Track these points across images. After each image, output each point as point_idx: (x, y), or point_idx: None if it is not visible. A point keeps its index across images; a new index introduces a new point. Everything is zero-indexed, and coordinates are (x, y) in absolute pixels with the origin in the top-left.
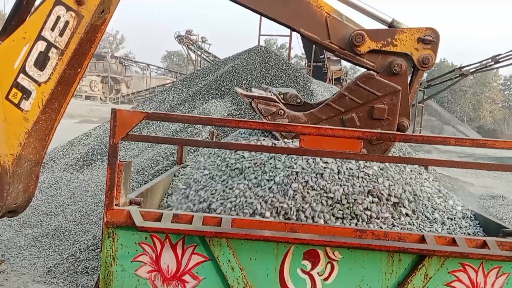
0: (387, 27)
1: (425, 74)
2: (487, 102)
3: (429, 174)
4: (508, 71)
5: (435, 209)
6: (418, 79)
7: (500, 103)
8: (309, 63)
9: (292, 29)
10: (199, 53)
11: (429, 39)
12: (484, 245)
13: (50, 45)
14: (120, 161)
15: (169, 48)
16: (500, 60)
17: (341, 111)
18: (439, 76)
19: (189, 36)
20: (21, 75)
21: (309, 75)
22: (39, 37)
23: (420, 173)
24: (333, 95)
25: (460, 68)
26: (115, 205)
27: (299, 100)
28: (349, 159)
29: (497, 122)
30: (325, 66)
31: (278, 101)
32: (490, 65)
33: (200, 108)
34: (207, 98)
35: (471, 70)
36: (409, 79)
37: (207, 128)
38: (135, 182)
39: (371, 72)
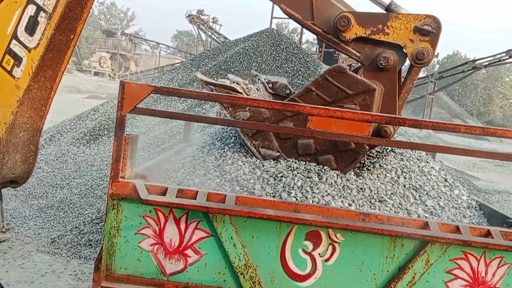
0: (384, 11)
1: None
2: (498, 97)
3: (436, 163)
4: None
5: (440, 198)
6: (412, 77)
7: (511, 98)
8: (320, 49)
9: (275, 3)
10: (210, 33)
11: (427, 29)
12: (487, 234)
13: (39, 8)
14: (127, 134)
15: (179, 27)
16: None
17: (323, 100)
18: (451, 68)
19: (200, 16)
20: (13, 41)
21: (320, 60)
22: (30, 0)
23: (427, 161)
24: (301, 90)
25: (474, 61)
26: (121, 177)
27: (288, 91)
28: (356, 142)
29: (507, 117)
30: (336, 53)
31: (240, 91)
32: (504, 59)
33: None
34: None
35: (484, 64)
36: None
37: (214, 109)
38: (141, 158)
39: (343, 66)
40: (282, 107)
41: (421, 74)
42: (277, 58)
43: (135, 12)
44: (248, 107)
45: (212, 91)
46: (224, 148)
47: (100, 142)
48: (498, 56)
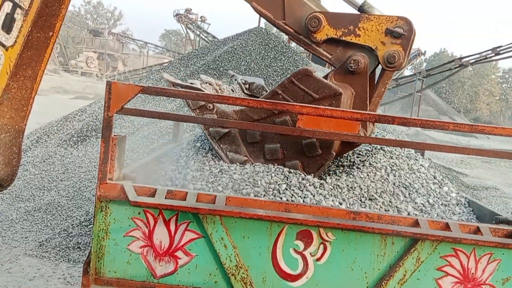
0: (357, 11)
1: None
2: (484, 94)
3: (425, 161)
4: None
5: (429, 195)
6: (384, 81)
7: (497, 95)
8: None
9: (246, 1)
10: (198, 32)
11: (399, 31)
12: (477, 231)
13: (15, 5)
14: (114, 135)
15: (167, 26)
16: (500, 52)
17: (273, 112)
18: (439, 66)
19: (188, 14)
20: None
21: (308, 59)
22: None
23: (416, 159)
24: (267, 92)
25: (460, 58)
26: (109, 179)
27: (264, 92)
28: (346, 140)
29: (493, 114)
30: None
31: (209, 92)
32: (490, 57)
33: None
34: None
35: (470, 61)
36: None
37: None
38: (130, 159)
39: (309, 68)
40: (271, 106)
41: (408, 72)
42: (266, 57)
43: (122, 12)
44: (215, 110)
45: None
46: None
47: (88, 143)
48: (484, 53)
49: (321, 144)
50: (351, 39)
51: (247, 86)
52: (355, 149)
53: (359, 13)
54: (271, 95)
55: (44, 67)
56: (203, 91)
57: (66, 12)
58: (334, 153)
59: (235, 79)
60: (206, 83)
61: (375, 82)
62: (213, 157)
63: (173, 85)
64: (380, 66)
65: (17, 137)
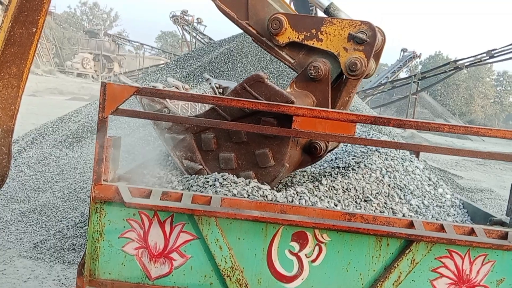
0: (323, 14)
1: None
2: (479, 97)
3: (420, 162)
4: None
5: (424, 197)
6: (348, 89)
7: (492, 98)
8: None
9: None
10: (194, 34)
11: (361, 37)
12: (471, 232)
13: None
14: (109, 136)
15: (163, 28)
16: (495, 55)
17: (226, 119)
18: (434, 68)
19: (184, 16)
20: None
21: None
22: None
23: (411, 161)
24: None
25: (455, 61)
26: (103, 180)
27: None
28: (341, 142)
29: (488, 117)
30: None
31: (163, 100)
32: (484, 60)
33: (193, 89)
34: (201, 80)
35: (465, 64)
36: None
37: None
38: (125, 161)
39: (261, 74)
40: (267, 107)
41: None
42: (262, 59)
43: (118, 13)
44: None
45: (136, 97)
46: None
47: (83, 145)
48: (479, 56)
49: (274, 155)
50: (313, 43)
51: (220, 90)
52: (350, 153)
53: (323, 15)
54: None
55: (29, 65)
56: (165, 100)
57: (48, 7)
58: (288, 165)
59: (210, 83)
60: (173, 86)
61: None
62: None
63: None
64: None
65: (5, 137)
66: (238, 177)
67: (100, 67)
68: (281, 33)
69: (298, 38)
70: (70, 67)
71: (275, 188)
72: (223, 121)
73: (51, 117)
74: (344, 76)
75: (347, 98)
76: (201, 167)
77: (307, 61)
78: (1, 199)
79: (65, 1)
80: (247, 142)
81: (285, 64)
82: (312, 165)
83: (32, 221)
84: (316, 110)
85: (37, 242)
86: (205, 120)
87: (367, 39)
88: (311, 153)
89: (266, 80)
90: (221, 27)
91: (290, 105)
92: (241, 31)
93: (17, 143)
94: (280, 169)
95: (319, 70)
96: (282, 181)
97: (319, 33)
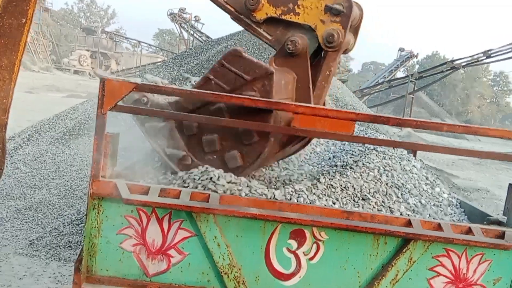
0: None
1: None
2: (476, 97)
3: (418, 162)
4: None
5: (422, 196)
6: (328, 63)
7: (488, 98)
8: None
9: None
10: (192, 32)
11: (338, 8)
12: (469, 231)
13: None
14: (107, 133)
15: (161, 26)
16: (491, 55)
17: (208, 101)
18: (431, 68)
19: (182, 14)
20: None
21: None
22: None
23: (409, 160)
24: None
25: (452, 61)
26: (102, 177)
27: None
28: (341, 140)
29: (484, 117)
30: None
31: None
32: (481, 60)
33: (191, 87)
34: (198, 78)
35: (462, 64)
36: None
37: None
38: (123, 158)
39: (238, 48)
40: (266, 105)
41: (401, 74)
42: (260, 57)
43: (115, 10)
44: (149, 104)
45: None
46: None
47: (80, 142)
48: (475, 56)
49: (258, 130)
50: (291, 17)
51: None
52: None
53: None
54: (204, 82)
55: (20, 56)
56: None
57: None
58: (273, 140)
59: (189, 81)
60: (152, 82)
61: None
62: None
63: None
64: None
65: None
66: (223, 160)
67: (97, 65)
68: (258, 9)
69: (275, 13)
70: (67, 64)
71: (273, 186)
72: (222, 118)
73: (47, 114)
74: (323, 52)
75: (327, 73)
76: (184, 153)
77: (284, 37)
78: None
79: None
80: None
81: (264, 41)
82: (310, 163)
83: (28, 218)
84: (316, 108)
85: (33, 239)
86: (204, 117)
87: (343, 10)
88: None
89: (243, 53)
90: (218, 27)
91: (289, 103)
92: (239, 29)
93: (13, 140)
94: (265, 144)
95: (297, 44)
96: (280, 178)
97: (296, 6)
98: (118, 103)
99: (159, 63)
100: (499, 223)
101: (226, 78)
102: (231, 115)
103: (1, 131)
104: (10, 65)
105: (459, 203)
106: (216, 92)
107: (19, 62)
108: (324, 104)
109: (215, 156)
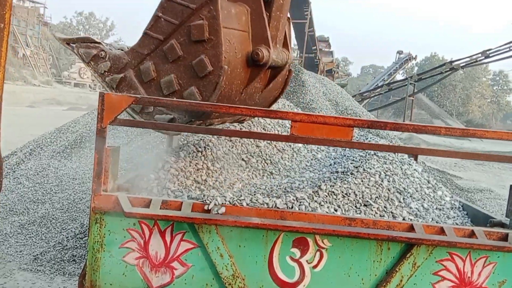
0: None
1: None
2: (476, 97)
3: (419, 165)
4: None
5: (424, 200)
6: None
7: (488, 98)
8: (301, 54)
9: None
10: None
11: None
12: (472, 234)
13: None
14: (108, 146)
15: None
16: (490, 55)
17: (160, 40)
18: (430, 69)
19: None
20: None
21: (301, 66)
22: None
23: (410, 164)
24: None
25: (451, 62)
26: (103, 190)
27: None
28: (339, 146)
29: (485, 117)
30: (317, 58)
31: (98, 41)
32: (480, 60)
33: None
34: None
35: (461, 65)
36: None
37: None
38: (124, 170)
39: None
40: (264, 114)
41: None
42: None
43: (114, 22)
44: (107, 56)
45: (74, 49)
46: None
47: (82, 155)
48: (474, 56)
49: (210, 60)
50: None
51: None
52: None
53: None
54: (154, 21)
55: (4, 63)
56: (95, 40)
57: (12, 2)
58: (227, 67)
59: None
60: (118, 49)
61: None
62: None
63: (67, 43)
64: None
65: None
66: (183, 98)
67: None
68: None
69: None
70: (67, 77)
71: (274, 194)
72: (222, 129)
73: (49, 128)
74: None
75: (281, 1)
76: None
77: None
78: (0, 212)
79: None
80: (183, 57)
81: None
82: (311, 170)
83: (32, 233)
84: (313, 116)
85: (37, 254)
86: (205, 129)
87: None
88: (253, 61)
89: None
90: None
91: (287, 111)
92: None
93: (15, 154)
94: (220, 72)
95: None
96: (281, 186)
97: None
98: (117, 117)
99: None
100: (502, 225)
101: (174, 12)
102: (182, 48)
103: None
104: None
105: (462, 206)
106: (216, 104)
107: (3, 69)
108: (285, 39)
109: (175, 98)
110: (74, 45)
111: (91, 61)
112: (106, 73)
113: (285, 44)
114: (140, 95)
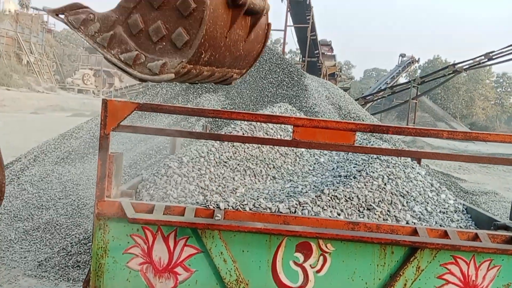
0: None
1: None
2: (479, 99)
3: (422, 169)
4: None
5: (427, 203)
6: None
7: (492, 100)
8: (303, 58)
9: None
10: None
11: None
12: (475, 237)
13: None
14: (111, 153)
15: None
16: (493, 57)
17: None
18: (433, 72)
19: None
20: None
21: (303, 70)
22: None
23: (413, 167)
24: None
25: (454, 64)
26: (106, 196)
27: None
28: (342, 151)
29: (489, 119)
30: (320, 62)
31: (85, 6)
32: (483, 62)
33: (193, 102)
34: (200, 92)
35: (464, 67)
36: None
37: (200, 123)
38: (127, 176)
39: None
40: (266, 119)
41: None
42: (261, 69)
43: None
44: (96, 17)
45: (64, 19)
46: None
47: (86, 161)
48: (477, 59)
49: None
50: None
51: None
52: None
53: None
54: None
55: None
56: (83, 5)
57: None
58: (208, 2)
59: None
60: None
61: None
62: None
63: (56, 14)
64: None
65: None
66: (172, 42)
67: (100, 83)
68: None
69: None
70: (71, 83)
71: (277, 199)
72: (226, 134)
73: (53, 134)
74: None
75: None
76: (137, 52)
77: None
78: (5, 218)
79: None
80: (167, 1)
81: None
82: (314, 174)
83: (36, 239)
84: (315, 120)
85: (41, 260)
86: (208, 134)
87: None
88: (233, 3)
89: None
90: None
91: (289, 116)
92: None
93: (20, 161)
94: (203, 7)
95: None
96: (284, 191)
97: None
98: (120, 123)
99: None
100: (506, 228)
101: None
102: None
103: None
104: None
105: (466, 209)
106: (215, 109)
107: None
108: None
109: (164, 43)
110: (63, 15)
111: (81, 26)
112: (97, 34)
113: None
114: (142, 103)
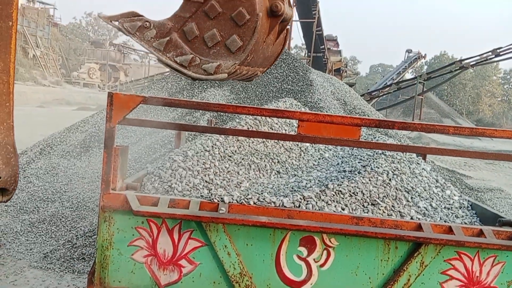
0: None
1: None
2: (486, 96)
3: (427, 164)
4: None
5: (432, 199)
6: None
7: (499, 96)
8: (309, 54)
9: None
10: None
11: None
12: (480, 233)
13: None
14: (116, 146)
15: None
16: (500, 53)
17: (201, 2)
18: (439, 68)
19: None
20: None
21: (309, 65)
22: None
23: (418, 163)
24: None
25: (461, 60)
26: (112, 189)
27: None
28: (347, 146)
29: (496, 115)
30: (325, 57)
31: (140, 14)
32: (490, 58)
33: (198, 96)
34: (205, 87)
35: (471, 63)
36: None
37: (205, 117)
38: (132, 169)
39: None
40: (271, 113)
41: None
42: None
43: None
44: (152, 25)
45: (118, 25)
46: None
47: (91, 154)
48: (484, 55)
49: (247, 10)
50: None
51: None
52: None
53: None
54: None
55: (13, 59)
56: (138, 14)
57: (18, 1)
58: (261, 14)
59: None
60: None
61: None
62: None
63: (110, 21)
64: None
65: (8, 135)
66: (226, 47)
67: (106, 77)
68: None
69: None
70: (76, 77)
71: (282, 193)
72: (225, 128)
73: (58, 127)
74: None
75: None
76: (192, 55)
77: None
78: (11, 210)
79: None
80: (223, 12)
81: None
82: (319, 169)
83: (42, 232)
84: (320, 115)
85: (47, 252)
86: (212, 128)
87: None
88: (272, 12)
89: None
90: None
91: (294, 111)
92: None
93: (26, 154)
94: (256, 18)
95: None
96: (288, 185)
97: None
98: (126, 116)
99: (167, 73)
100: (511, 224)
101: None
102: (221, 5)
103: (10, 134)
104: (6, 68)
105: (471, 205)
106: (220, 103)
107: (13, 65)
108: None
109: (218, 48)
110: (117, 22)
111: (137, 32)
112: (153, 39)
113: (288, 1)
114: (147, 96)
